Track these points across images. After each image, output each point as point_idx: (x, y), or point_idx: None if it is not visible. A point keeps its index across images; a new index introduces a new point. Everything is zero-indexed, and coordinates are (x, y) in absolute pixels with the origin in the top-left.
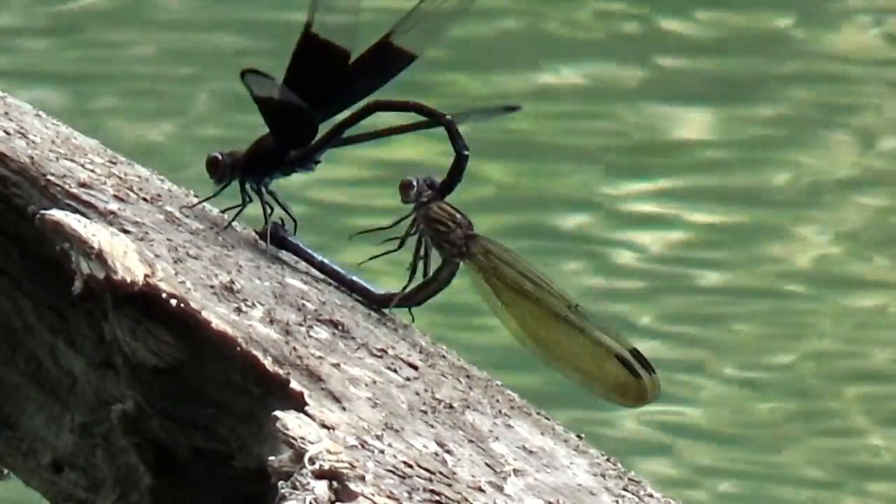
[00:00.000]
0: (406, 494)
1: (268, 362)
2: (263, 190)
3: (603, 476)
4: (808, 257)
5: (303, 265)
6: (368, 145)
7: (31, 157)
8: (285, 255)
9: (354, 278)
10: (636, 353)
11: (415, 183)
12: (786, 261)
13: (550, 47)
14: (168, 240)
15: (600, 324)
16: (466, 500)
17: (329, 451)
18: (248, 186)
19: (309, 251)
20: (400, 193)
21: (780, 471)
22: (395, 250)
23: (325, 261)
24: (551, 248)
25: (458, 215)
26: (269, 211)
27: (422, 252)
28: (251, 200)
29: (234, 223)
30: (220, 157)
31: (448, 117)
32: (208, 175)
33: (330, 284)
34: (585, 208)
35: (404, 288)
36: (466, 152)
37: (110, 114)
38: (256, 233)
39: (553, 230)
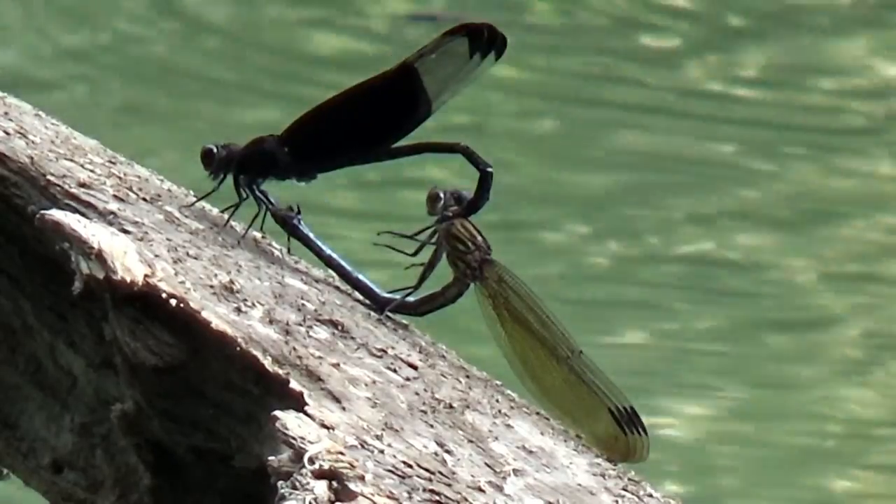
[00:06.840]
0: (406, 494)
1: (267, 362)
2: (255, 189)
3: (602, 476)
4: None
5: (303, 265)
6: None
7: (31, 157)
8: (285, 256)
9: (360, 277)
10: (633, 412)
11: (442, 196)
12: None
13: None
14: (168, 240)
15: (601, 375)
16: (466, 499)
17: (329, 451)
18: (241, 183)
19: (318, 242)
20: (426, 204)
21: None
22: (410, 255)
23: (334, 255)
24: None
25: (478, 237)
26: (262, 209)
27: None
28: (247, 197)
29: (232, 222)
30: (214, 149)
31: (463, 145)
32: (203, 167)
33: (330, 284)
34: None
35: (406, 294)
36: (490, 169)
37: None
38: (273, 215)
39: None
